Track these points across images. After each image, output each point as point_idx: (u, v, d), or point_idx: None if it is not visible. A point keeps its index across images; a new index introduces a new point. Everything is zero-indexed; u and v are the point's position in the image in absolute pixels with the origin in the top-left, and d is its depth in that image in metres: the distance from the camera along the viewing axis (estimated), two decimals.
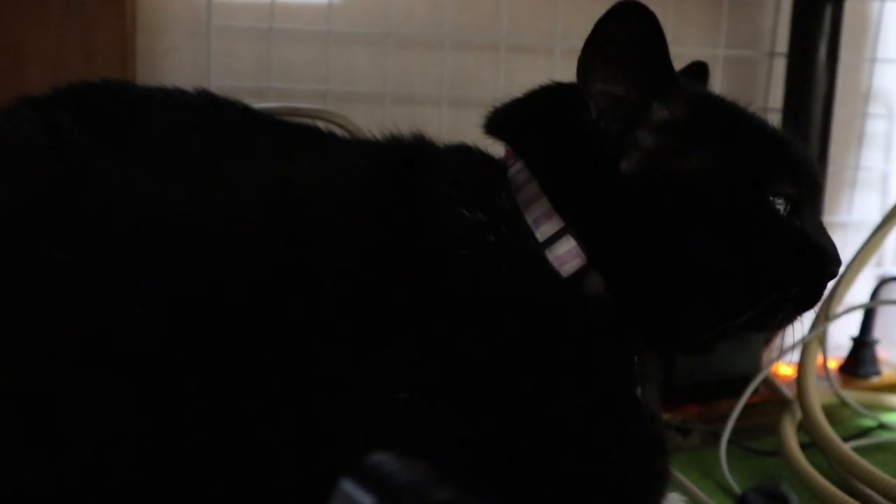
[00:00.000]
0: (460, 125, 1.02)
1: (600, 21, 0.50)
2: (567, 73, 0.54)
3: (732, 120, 0.56)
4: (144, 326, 0.47)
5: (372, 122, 0.78)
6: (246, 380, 0.48)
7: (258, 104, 0.70)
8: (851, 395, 0.90)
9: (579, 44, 0.51)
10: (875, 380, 1.03)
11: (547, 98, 0.57)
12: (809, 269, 0.54)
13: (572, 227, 0.52)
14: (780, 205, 0.53)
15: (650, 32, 0.50)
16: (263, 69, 1.01)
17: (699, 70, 0.65)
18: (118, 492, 0.48)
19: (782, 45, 1.08)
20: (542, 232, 0.52)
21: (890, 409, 0.94)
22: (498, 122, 0.59)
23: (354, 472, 0.31)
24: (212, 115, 0.57)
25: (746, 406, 0.80)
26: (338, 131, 0.64)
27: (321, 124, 0.64)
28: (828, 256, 0.54)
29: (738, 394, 0.80)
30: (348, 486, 0.31)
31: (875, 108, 1.20)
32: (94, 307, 0.47)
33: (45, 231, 0.48)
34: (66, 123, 0.52)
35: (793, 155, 0.55)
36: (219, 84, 0.98)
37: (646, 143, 0.52)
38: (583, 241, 0.52)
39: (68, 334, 0.47)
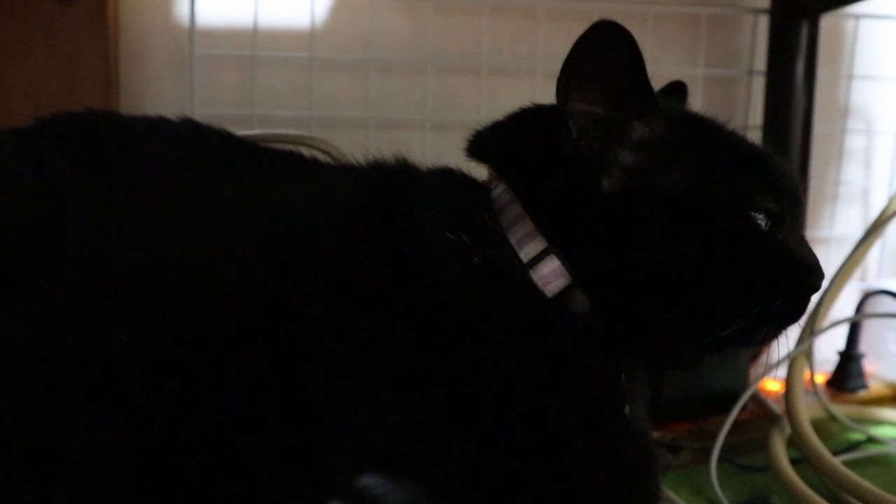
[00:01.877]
0: (443, 149, 1.03)
1: (578, 41, 0.51)
2: (548, 94, 0.55)
3: (712, 136, 0.56)
4: (129, 354, 0.47)
5: (355, 147, 0.79)
6: (232, 406, 0.48)
7: (242, 131, 0.70)
8: (840, 409, 0.90)
9: (558, 66, 0.52)
10: (862, 393, 1.03)
11: (527, 119, 0.58)
12: (792, 282, 0.54)
13: (556, 246, 0.52)
14: (762, 219, 0.53)
15: (628, 52, 0.51)
16: (247, 96, 1.02)
17: (678, 89, 0.66)
18: None
19: (760, 63, 1.09)
20: (526, 252, 0.52)
21: (878, 422, 0.94)
22: (479, 144, 0.59)
23: (345, 495, 0.31)
24: (195, 144, 0.57)
25: (735, 422, 0.80)
26: (322, 157, 0.65)
27: (305, 150, 0.64)
28: (810, 269, 0.55)
29: (726, 410, 0.80)
30: None
31: (854, 124, 1.21)
32: (77, 335, 0.47)
33: (29, 260, 0.48)
34: (50, 153, 0.53)
35: (773, 170, 0.56)
36: (202, 112, 0.98)
37: (627, 161, 0.53)
38: (567, 261, 0.52)
39: (52, 362, 0.47)
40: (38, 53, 0.94)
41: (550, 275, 0.52)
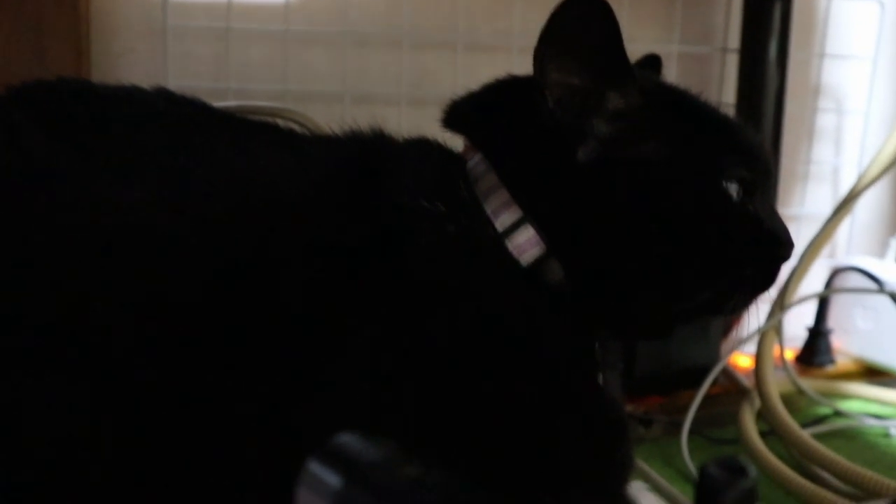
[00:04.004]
0: (420, 123, 1.02)
1: (555, 12, 0.51)
2: (524, 69, 0.55)
3: (686, 108, 0.57)
4: (104, 324, 0.47)
5: (331, 121, 0.78)
6: (208, 376, 0.48)
7: (217, 104, 0.70)
8: (808, 384, 0.92)
9: (535, 41, 0.52)
10: (830, 368, 1.05)
11: (503, 90, 0.58)
12: (763, 251, 0.55)
13: (531, 216, 0.53)
14: (734, 189, 0.54)
15: (604, 22, 0.51)
16: (221, 69, 1.01)
17: (653, 62, 0.66)
18: (79, 494, 0.47)
19: (734, 41, 1.10)
20: (501, 222, 0.53)
21: (845, 397, 0.96)
22: (455, 115, 0.59)
23: (321, 453, 0.31)
24: (170, 113, 0.57)
25: (706, 396, 0.81)
26: (297, 129, 0.64)
27: (281, 123, 0.64)
28: (780, 239, 0.55)
29: (697, 384, 0.81)
30: (315, 467, 0.31)
31: (825, 103, 1.22)
32: (50, 305, 0.47)
33: (2, 228, 0.48)
34: (21, 122, 0.52)
35: (744, 140, 0.57)
36: (176, 84, 0.96)
37: (602, 131, 0.53)
38: (541, 230, 0.52)
39: (24, 333, 0.47)
40: (6, 25, 0.92)
41: (525, 244, 0.52)
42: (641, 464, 0.73)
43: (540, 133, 0.53)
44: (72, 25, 0.94)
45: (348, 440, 0.31)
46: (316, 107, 1.01)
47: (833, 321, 1.07)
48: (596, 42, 0.52)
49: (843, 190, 1.19)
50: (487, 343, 0.50)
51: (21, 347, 0.47)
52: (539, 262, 0.52)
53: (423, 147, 0.58)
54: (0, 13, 0.92)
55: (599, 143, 0.53)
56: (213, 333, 0.48)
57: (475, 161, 0.55)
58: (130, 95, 0.57)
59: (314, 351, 0.48)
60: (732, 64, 1.10)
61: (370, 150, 0.56)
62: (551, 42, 0.52)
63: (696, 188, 0.53)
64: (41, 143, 0.51)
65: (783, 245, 0.55)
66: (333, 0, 1.03)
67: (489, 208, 0.53)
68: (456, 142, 0.59)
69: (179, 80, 0.98)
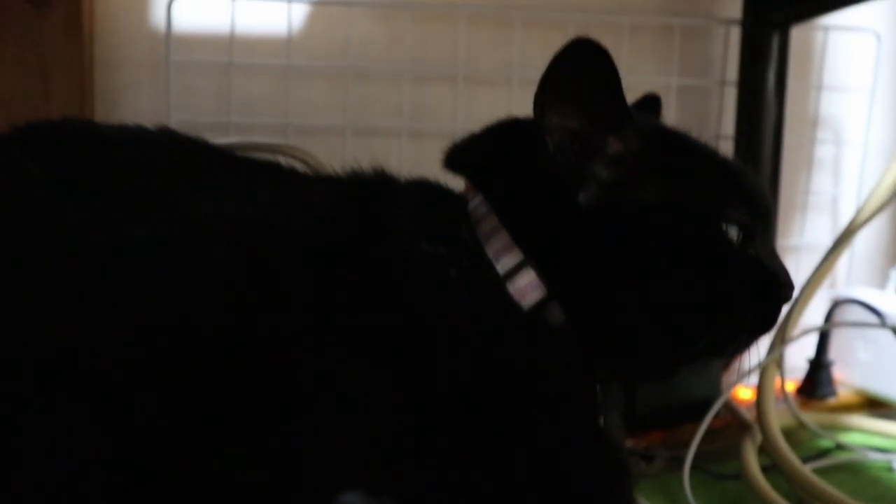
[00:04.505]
0: (420, 156, 1.03)
1: (556, 58, 0.51)
2: (523, 102, 0.55)
3: (685, 151, 0.57)
4: (107, 360, 0.47)
5: (332, 154, 0.79)
6: (210, 418, 0.48)
7: (219, 139, 0.70)
8: (810, 417, 0.91)
9: (535, 74, 0.52)
10: (832, 400, 1.05)
11: (504, 132, 0.58)
12: (763, 294, 0.55)
13: (532, 259, 0.53)
14: (734, 233, 0.54)
15: (604, 69, 0.51)
16: (223, 103, 1.02)
17: (652, 103, 0.67)
18: None
19: (732, 73, 1.11)
20: (503, 265, 0.53)
21: (847, 430, 0.95)
22: (457, 156, 0.59)
23: None
24: (173, 153, 0.57)
25: (708, 430, 0.81)
26: (299, 166, 0.65)
27: (282, 159, 0.64)
28: (780, 281, 0.56)
29: (699, 418, 0.81)
30: None
31: (823, 134, 1.23)
32: (56, 342, 0.47)
33: (5, 266, 0.48)
34: (25, 162, 0.52)
35: (744, 184, 0.57)
36: (179, 119, 0.98)
37: (602, 175, 0.53)
38: (543, 273, 0.53)
39: (29, 366, 0.47)
40: (11, 60, 0.94)
41: (526, 287, 0.53)
42: (643, 501, 0.73)
43: (541, 176, 0.54)
44: (76, 59, 0.95)
45: (351, 500, 0.31)
46: (317, 140, 1.02)
47: (834, 353, 1.07)
48: (595, 87, 0.52)
49: (843, 220, 1.20)
50: (488, 387, 0.50)
51: (23, 386, 0.47)
52: (540, 305, 0.53)
53: (424, 189, 0.58)
54: (5, 47, 0.93)
55: (600, 187, 0.53)
56: (216, 377, 0.48)
57: (476, 203, 0.56)
58: (133, 135, 0.58)
59: (315, 395, 0.48)
60: (731, 96, 1.11)
61: (372, 191, 0.57)
62: (551, 87, 0.52)
63: (695, 232, 0.53)
64: (44, 183, 0.51)
65: (783, 287, 0.55)
66: (335, 34, 1.04)
67: (490, 251, 0.53)
68: (457, 182, 0.59)
69: (182, 114, 0.99)
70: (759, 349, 0.62)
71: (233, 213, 0.53)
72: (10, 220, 0.49)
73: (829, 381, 1.05)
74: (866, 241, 1.25)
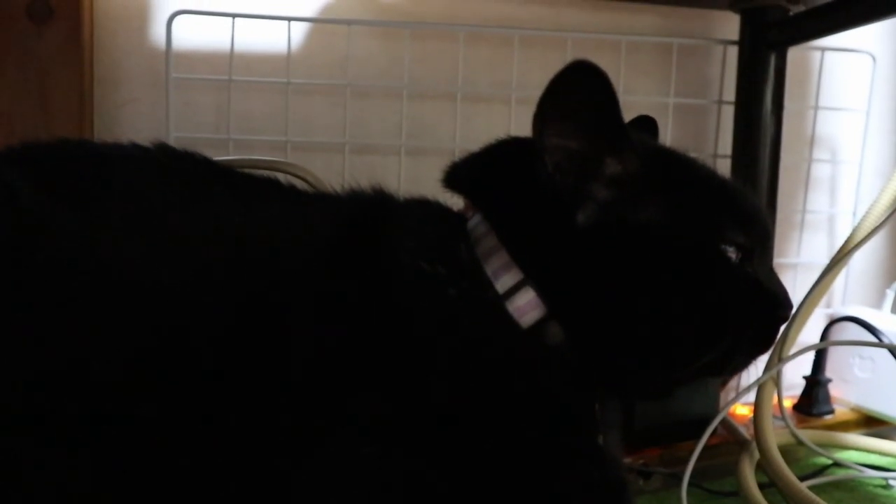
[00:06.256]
0: (419, 174, 1.04)
1: (554, 80, 0.52)
2: (523, 120, 0.55)
3: (683, 171, 0.57)
4: (102, 383, 0.47)
5: (332, 171, 0.79)
6: (205, 439, 0.48)
7: (218, 156, 0.70)
8: (807, 434, 0.91)
9: (534, 92, 0.52)
10: (829, 418, 1.05)
11: (503, 152, 0.58)
12: (761, 314, 0.55)
13: (531, 278, 0.53)
14: (732, 253, 0.54)
15: (602, 91, 0.52)
16: (223, 120, 1.02)
17: (648, 124, 0.67)
18: None
19: (729, 93, 1.11)
20: (502, 284, 0.53)
21: (844, 447, 0.96)
22: (456, 176, 0.60)
23: None
24: (171, 171, 0.57)
25: (705, 447, 0.80)
26: (298, 183, 0.65)
27: (280, 176, 0.64)
28: (779, 301, 0.56)
29: (697, 435, 0.81)
30: None
31: (820, 154, 1.24)
32: (49, 364, 0.47)
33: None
34: (18, 182, 0.52)
35: (742, 204, 0.57)
36: (178, 135, 0.98)
37: (601, 195, 0.54)
38: (542, 292, 0.53)
39: (21, 391, 0.47)
40: (11, 76, 0.94)
41: (525, 306, 0.53)
42: None
43: (540, 196, 0.54)
44: (76, 76, 0.95)
45: None
46: (316, 157, 1.02)
47: (831, 370, 1.07)
48: (593, 109, 0.53)
49: (839, 238, 1.20)
50: (487, 406, 0.50)
51: (20, 406, 0.47)
52: (539, 325, 0.53)
53: (423, 207, 0.58)
54: (5, 63, 0.93)
55: (598, 207, 0.53)
56: (212, 395, 0.48)
57: (475, 222, 0.56)
58: (130, 154, 0.58)
59: (315, 416, 0.48)
60: (728, 115, 1.11)
61: (370, 209, 0.57)
62: (549, 108, 0.52)
63: (694, 252, 0.53)
64: (39, 203, 0.51)
65: (781, 306, 0.56)
66: (334, 52, 1.04)
67: (489, 270, 0.54)
68: (456, 201, 0.60)
69: (181, 131, 0.99)
70: (757, 367, 0.62)
71: (230, 231, 0.53)
72: (2, 240, 0.49)
73: (826, 399, 1.05)
74: (863, 260, 1.25)
